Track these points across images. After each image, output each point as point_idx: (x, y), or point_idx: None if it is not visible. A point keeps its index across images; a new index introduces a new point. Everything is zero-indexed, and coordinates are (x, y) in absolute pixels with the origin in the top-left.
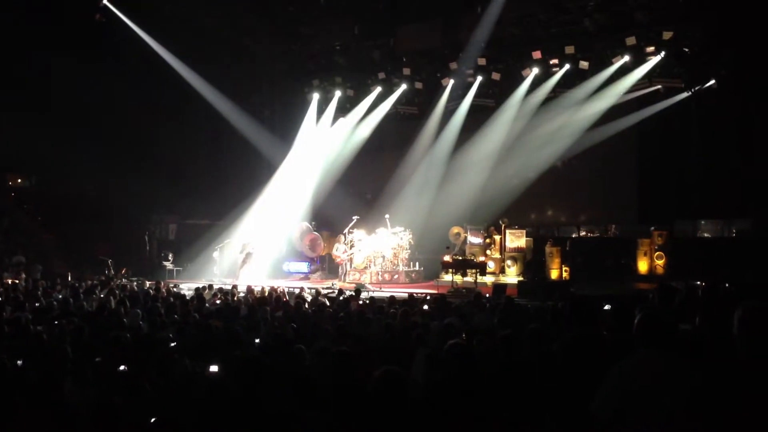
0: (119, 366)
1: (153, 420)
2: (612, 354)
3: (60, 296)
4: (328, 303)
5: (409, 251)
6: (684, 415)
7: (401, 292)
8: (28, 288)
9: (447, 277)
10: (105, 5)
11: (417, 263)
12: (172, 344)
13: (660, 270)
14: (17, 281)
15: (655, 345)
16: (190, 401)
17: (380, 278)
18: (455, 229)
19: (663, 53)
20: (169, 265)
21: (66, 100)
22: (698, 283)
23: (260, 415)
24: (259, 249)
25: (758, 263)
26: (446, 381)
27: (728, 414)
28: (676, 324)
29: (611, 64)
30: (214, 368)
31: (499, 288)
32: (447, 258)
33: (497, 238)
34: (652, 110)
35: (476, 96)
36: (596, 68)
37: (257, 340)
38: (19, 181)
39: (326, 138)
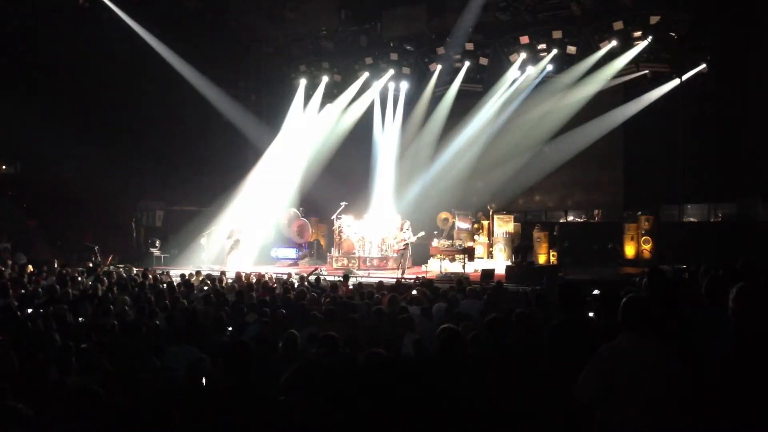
0: (106, 353)
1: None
2: (599, 338)
3: (46, 283)
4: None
5: (397, 237)
6: (662, 399)
7: (390, 278)
8: (14, 274)
9: (436, 263)
10: None
11: None
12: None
13: (647, 254)
14: (2, 268)
15: (636, 329)
16: (175, 387)
17: (369, 263)
18: (443, 215)
19: (650, 38)
20: (156, 251)
21: (51, 86)
22: (684, 267)
23: (248, 400)
24: (246, 235)
25: (744, 246)
26: (434, 364)
27: (705, 399)
28: (659, 308)
29: (598, 48)
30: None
31: (487, 273)
32: (435, 243)
33: (485, 223)
34: (640, 97)
35: (464, 81)
36: (584, 53)
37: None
38: (4, 167)
39: (313, 124)
